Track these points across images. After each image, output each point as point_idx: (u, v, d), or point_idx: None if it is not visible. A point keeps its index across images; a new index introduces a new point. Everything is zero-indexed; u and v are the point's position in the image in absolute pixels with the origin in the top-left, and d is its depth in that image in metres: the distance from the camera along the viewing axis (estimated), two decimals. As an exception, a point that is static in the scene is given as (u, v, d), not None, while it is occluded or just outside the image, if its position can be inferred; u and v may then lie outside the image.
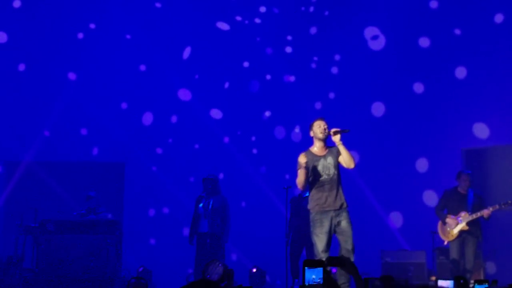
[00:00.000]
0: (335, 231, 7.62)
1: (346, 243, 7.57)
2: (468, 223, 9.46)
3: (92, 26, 13.06)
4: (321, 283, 3.93)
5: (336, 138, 7.63)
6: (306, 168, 7.61)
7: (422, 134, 12.21)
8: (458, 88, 12.11)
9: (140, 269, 10.77)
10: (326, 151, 7.74)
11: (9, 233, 11.43)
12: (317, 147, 7.78)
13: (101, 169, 12.76)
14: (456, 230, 9.53)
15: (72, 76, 13.01)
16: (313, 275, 3.95)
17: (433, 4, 12.42)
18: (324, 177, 7.67)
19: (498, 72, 11.80)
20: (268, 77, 13.19)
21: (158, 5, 13.19)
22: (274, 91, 13.06)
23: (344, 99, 12.72)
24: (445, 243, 9.80)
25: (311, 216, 7.74)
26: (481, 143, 11.94)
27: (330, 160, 7.68)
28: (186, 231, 12.45)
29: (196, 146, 13.13)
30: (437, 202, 10.02)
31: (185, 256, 11.42)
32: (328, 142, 7.79)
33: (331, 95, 12.95)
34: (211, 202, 10.33)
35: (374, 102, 12.71)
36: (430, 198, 11.93)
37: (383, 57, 12.58)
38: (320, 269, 3.96)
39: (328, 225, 7.57)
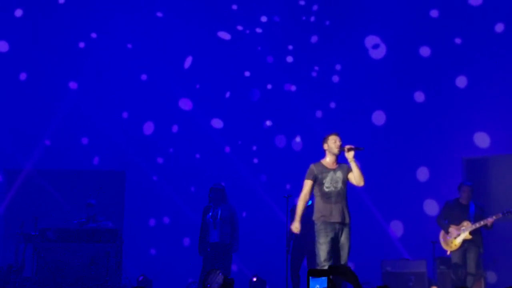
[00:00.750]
0: (336, 241, 7.80)
1: (339, 258, 7.77)
2: (471, 233, 9.44)
3: (94, 35, 13.10)
4: None
5: (350, 155, 7.85)
6: (313, 179, 7.87)
7: (423, 143, 12.19)
8: (459, 97, 12.12)
9: (140, 278, 10.76)
10: (336, 165, 7.95)
11: (9, 242, 11.43)
12: (329, 160, 7.98)
13: (102, 178, 12.76)
14: (458, 240, 9.51)
15: (73, 85, 13.04)
16: (317, 284, 3.97)
17: (434, 13, 12.44)
18: (331, 189, 7.85)
19: (499, 81, 11.80)
20: (269, 86, 13.20)
21: (159, 14, 13.22)
22: (275, 100, 13.07)
23: (345, 108, 12.73)
24: (448, 253, 9.78)
25: (316, 226, 7.91)
26: (482, 152, 11.93)
27: (339, 174, 7.89)
28: (186, 241, 12.48)
29: (197, 155, 13.13)
30: (439, 212, 10.02)
31: (186, 265, 11.43)
32: (339, 158, 8.01)
33: (332, 104, 12.96)
34: (219, 212, 10.29)
35: (375, 111, 12.71)
36: (431, 207, 11.92)
37: (384, 66, 12.59)
38: (324, 279, 3.98)
39: (332, 234, 7.76)
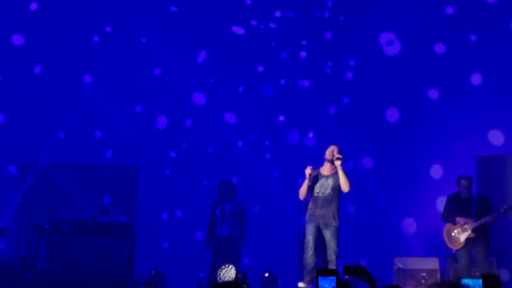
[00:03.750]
0: (320, 238, 8.71)
1: (326, 253, 8.63)
2: (473, 230, 9.35)
3: (108, 29, 13.12)
4: None
5: (337, 163, 8.64)
6: (310, 180, 8.68)
7: (437, 141, 12.14)
8: (473, 95, 12.04)
9: (153, 272, 10.80)
10: (331, 172, 8.74)
11: (23, 235, 11.50)
12: (324, 167, 8.83)
13: (115, 172, 12.80)
14: (462, 238, 9.43)
15: (87, 79, 13.08)
16: (326, 284, 4.00)
17: (449, 10, 12.36)
18: (319, 194, 8.69)
19: (514, 78, 11.74)
20: (283, 81, 13.18)
21: (173, 9, 13.22)
22: (288, 95, 13.05)
23: (359, 105, 12.70)
24: (454, 251, 9.73)
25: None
26: (496, 150, 11.86)
27: (330, 181, 8.69)
28: (199, 235, 12.50)
29: (210, 150, 13.14)
30: (443, 209, 9.88)
31: (198, 260, 11.46)
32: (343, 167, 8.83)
33: (346, 100, 12.93)
34: (228, 207, 10.39)
35: (389, 108, 12.67)
36: (444, 204, 11.86)
37: (398, 62, 12.54)
38: (333, 278, 4.01)
39: (315, 227, 8.66)
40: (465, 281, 4.50)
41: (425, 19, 12.29)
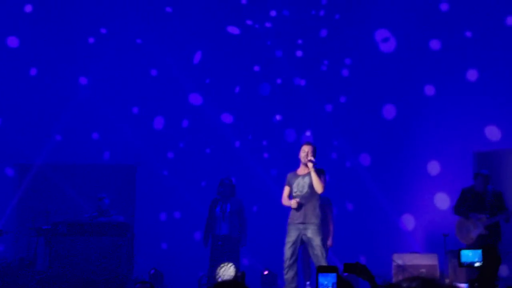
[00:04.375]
0: (302, 241, 8.77)
1: (312, 250, 8.66)
2: (487, 227, 9.33)
3: (103, 30, 13.12)
4: None
5: (309, 165, 8.68)
6: (288, 185, 8.88)
7: (434, 137, 12.15)
8: (470, 91, 12.06)
9: (152, 272, 10.78)
10: (307, 171, 8.76)
11: (22, 235, 11.47)
12: (301, 168, 8.89)
13: (113, 172, 12.79)
14: (475, 234, 9.41)
15: (83, 80, 13.07)
16: (326, 281, 4.01)
17: (444, 7, 12.39)
18: (298, 193, 8.76)
19: (510, 74, 11.75)
20: (279, 80, 13.19)
21: (168, 9, 13.23)
22: (285, 94, 13.06)
23: (355, 102, 12.71)
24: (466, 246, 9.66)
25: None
26: (493, 145, 11.87)
27: (307, 180, 8.74)
28: (197, 235, 12.48)
29: (207, 150, 13.14)
30: (456, 202, 9.83)
31: (197, 259, 11.44)
32: (319, 164, 8.82)
33: (342, 98, 12.94)
34: (228, 205, 10.38)
35: (385, 105, 12.68)
36: (442, 200, 11.88)
37: (393, 59, 12.56)
38: (333, 275, 4.03)
39: (295, 236, 8.69)
40: (465, 252, 4.52)
41: (420, 16, 12.32)
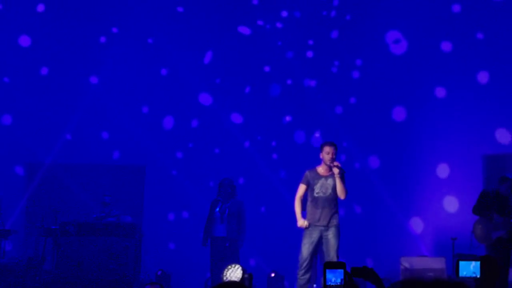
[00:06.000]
0: (321, 243, 8.54)
1: (327, 252, 8.47)
2: (508, 231, 9.23)
3: (115, 30, 13.16)
4: (340, 284, 3.99)
5: (335, 171, 8.46)
6: (306, 184, 8.58)
7: (443, 139, 12.08)
8: (480, 93, 11.98)
9: (159, 273, 10.82)
10: (330, 173, 8.55)
11: (30, 235, 11.54)
12: (322, 168, 8.60)
13: (122, 172, 12.83)
14: (494, 236, 9.30)
15: (94, 79, 13.11)
16: (333, 277, 4.02)
17: (456, 8, 12.31)
18: (320, 194, 8.53)
19: (521, 77, 11.68)
20: (289, 81, 13.18)
21: (180, 9, 13.24)
22: (295, 95, 13.04)
23: (365, 104, 12.67)
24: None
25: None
26: (503, 149, 11.80)
27: (330, 181, 8.53)
28: (204, 236, 12.49)
29: (217, 150, 13.14)
30: (476, 202, 9.66)
31: (204, 260, 11.45)
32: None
33: (352, 100, 12.90)
34: (228, 207, 10.33)
35: (395, 107, 12.63)
36: (451, 204, 11.84)
37: (404, 61, 12.50)
38: (341, 271, 4.04)
39: (316, 238, 8.49)
40: (463, 263, 4.51)
41: (431, 17, 12.25)
